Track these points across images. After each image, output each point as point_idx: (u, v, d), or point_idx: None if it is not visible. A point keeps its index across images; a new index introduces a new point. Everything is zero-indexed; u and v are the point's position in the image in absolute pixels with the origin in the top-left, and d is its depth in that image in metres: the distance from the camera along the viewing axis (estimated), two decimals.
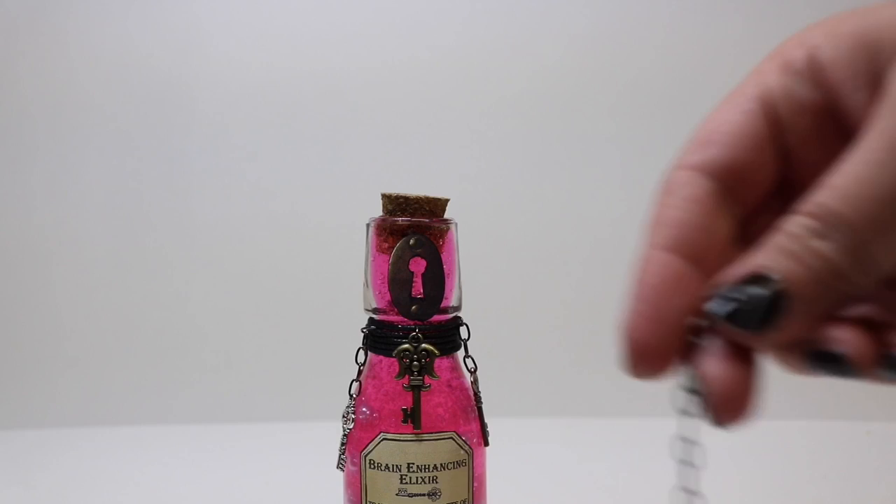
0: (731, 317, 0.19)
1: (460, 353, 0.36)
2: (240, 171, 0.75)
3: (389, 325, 0.34)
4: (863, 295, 0.20)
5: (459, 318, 0.36)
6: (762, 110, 0.21)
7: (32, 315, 0.75)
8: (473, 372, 0.36)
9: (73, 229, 0.75)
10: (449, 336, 0.35)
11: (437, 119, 0.76)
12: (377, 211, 0.35)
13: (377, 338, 0.35)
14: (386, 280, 0.34)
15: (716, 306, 0.19)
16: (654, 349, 0.19)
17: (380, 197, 0.35)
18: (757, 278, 0.19)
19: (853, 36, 0.20)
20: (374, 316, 0.35)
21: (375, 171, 0.75)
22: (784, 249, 0.19)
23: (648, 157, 0.76)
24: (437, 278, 0.34)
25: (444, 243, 0.35)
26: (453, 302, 0.35)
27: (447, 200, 0.35)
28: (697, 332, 0.20)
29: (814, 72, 0.21)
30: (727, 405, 0.19)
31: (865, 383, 0.21)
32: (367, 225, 0.35)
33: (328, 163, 0.76)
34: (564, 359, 0.76)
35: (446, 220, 0.35)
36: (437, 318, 0.34)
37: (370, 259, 0.35)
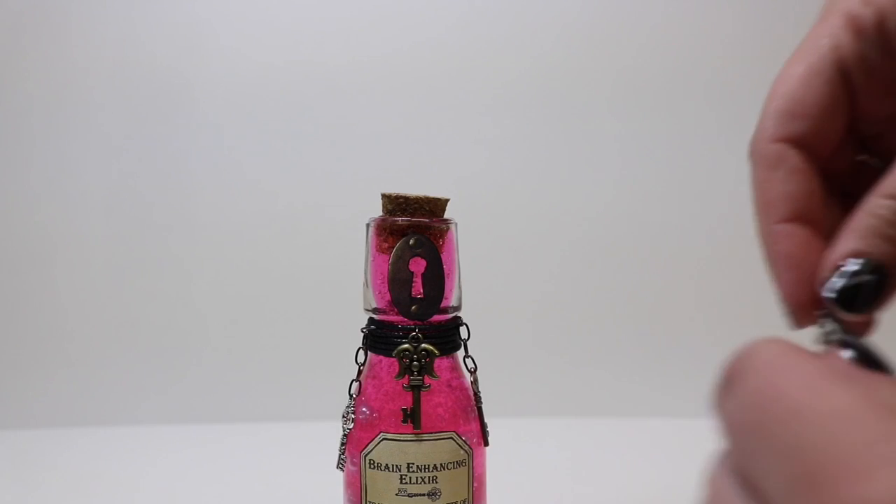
0: (843, 302, 0.20)
1: (460, 353, 0.36)
2: (240, 170, 0.75)
3: (389, 325, 0.34)
4: None
5: (459, 318, 0.36)
6: (840, 78, 0.22)
7: (32, 315, 0.75)
8: (473, 372, 0.36)
9: (73, 229, 0.75)
10: (449, 336, 0.35)
11: (437, 119, 0.76)
12: (377, 211, 0.35)
13: (377, 338, 0.35)
14: (386, 280, 0.34)
15: (829, 293, 0.21)
16: (808, 304, 0.22)
17: (379, 197, 0.35)
18: (870, 266, 0.20)
19: None
20: (374, 316, 0.35)
21: (375, 170, 0.75)
22: (878, 232, 0.20)
23: (650, 157, 0.76)
24: (436, 278, 0.34)
25: (443, 243, 0.35)
26: (453, 302, 0.35)
27: (447, 200, 0.35)
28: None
29: (884, 39, 0.21)
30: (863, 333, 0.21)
31: None
32: (367, 225, 0.35)
33: (328, 163, 0.75)
34: (564, 359, 0.76)
35: (446, 220, 0.35)
36: (436, 318, 0.34)
37: (370, 259, 0.35)
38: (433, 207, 0.35)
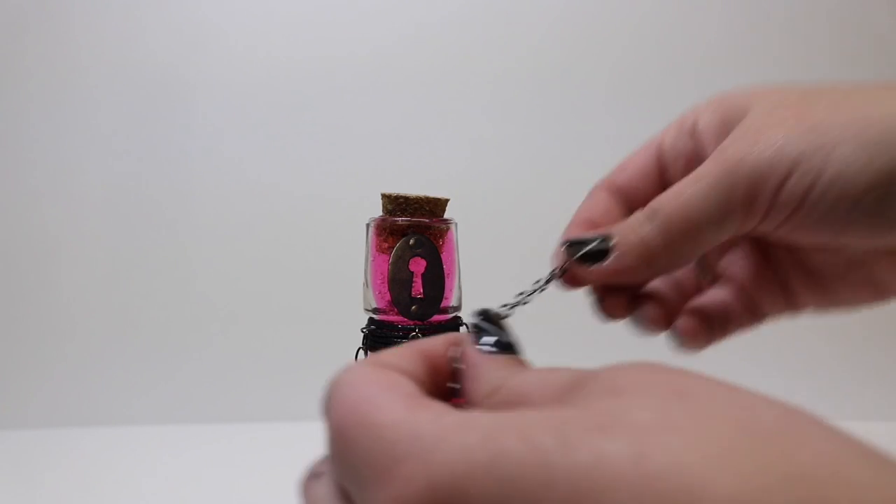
0: (573, 252, 0.31)
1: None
2: (239, 171, 0.75)
3: (389, 325, 0.34)
4: (671, 271, 0.33)
5: (459, 317, 0.36)
6: (656, 155, 0.34)
7: (32, 315, 0.75)
8: None
9: (73, 229, 0.75)
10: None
11: (436, 118, 0.76)
12: (377, 210, 0.35)
13: (377, 338, 0.35)
14: (386, 280, 0.34)
15: (570, 246, 0.31)
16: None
17: (379, 197, 0.35)
18: (604, 237, 0.30)
19: (722, 106, 0.31)
20: (373, 316, 0.35)
21: (375, 170, 0.75)
22: (625, 224, 0.30)
23: None
24: (436, 278, 0.34)
25: (443, 243, 0.35)
26: (453, 302, 0.35)
27: (447, 200, 0.35)
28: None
29: (694, 131, 0.32)
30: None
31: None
32: (367, 225, 0.35)
33: (328, 163, 0.76)
34: (564, 358, 0.76)
35: (446, 220, 0.35)
36: (436, 317, 0.34)
37: (370, 259, 0.35)
38: (433, 207, 0.35)
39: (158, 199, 0.75)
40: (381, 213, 0.35)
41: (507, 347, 0.24)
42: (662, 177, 0.34)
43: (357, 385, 0.21)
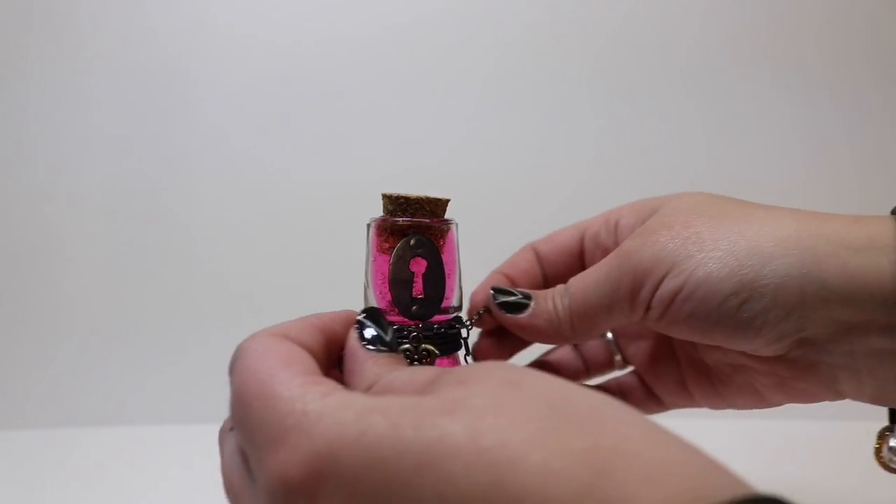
0: (497, 298, 0.37)
1: (461, 353, 0.36)
2: (238, 171, 0.75)
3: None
4: (573, 343, 0.41)
5: (460, 317, 0.36)
6: (579, 239, 0.41)
7: (32, 315, 0.75)
8: None
9: (73, 228, 0.75)
10: (450, 336, 0.35)
11: (437, 119, 0.76)
12: (376, 211, 0.35)
13: None
14: (387, 280, 0.34)
15: (495, 291, 0.37)
16: (479, 305, 0.38)
17: (380, 197, 0.35)
18: (526, 296, 0.36)
19: (643, 208, 0.37)
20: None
21: (374, 170, 0.75)
22: (546, 292, 0.36)
23: (650, 157, 0.76)
24: (437, 278, 0.34)
25: (444, 243, 0.35)
26: (454, 302, 0.35)
27: (448, 201, 0.36)
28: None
29: (616, 227, 0.39)
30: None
31: None
32: (368, 225, 0.35)
33: (328, 163, 0.76)
34: None
35: (447, 220, 0.35)
36: (437, 318, 0.34)
37: (371, 259, 0.35)
38: (434, 208, 0.35)
39: (158, 201, 0.75)
40: (381, 214, 0.35)
41: (386, 345, 0.28)
42: (580, 258, 0.41)
43: (260, 356, 0.24)
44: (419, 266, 0.33)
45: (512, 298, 0.36)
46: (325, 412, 0.20)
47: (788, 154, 0.75)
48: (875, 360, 0.31)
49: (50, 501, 0.55)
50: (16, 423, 0.73)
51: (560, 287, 0.36)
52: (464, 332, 0.36)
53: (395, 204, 0.34)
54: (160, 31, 0.74)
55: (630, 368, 0.43)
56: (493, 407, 0.19)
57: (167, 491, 0.57)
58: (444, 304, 0.34)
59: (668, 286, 0.32)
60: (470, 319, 0.37)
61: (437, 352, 0.33)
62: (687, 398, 0.40)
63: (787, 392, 0.35)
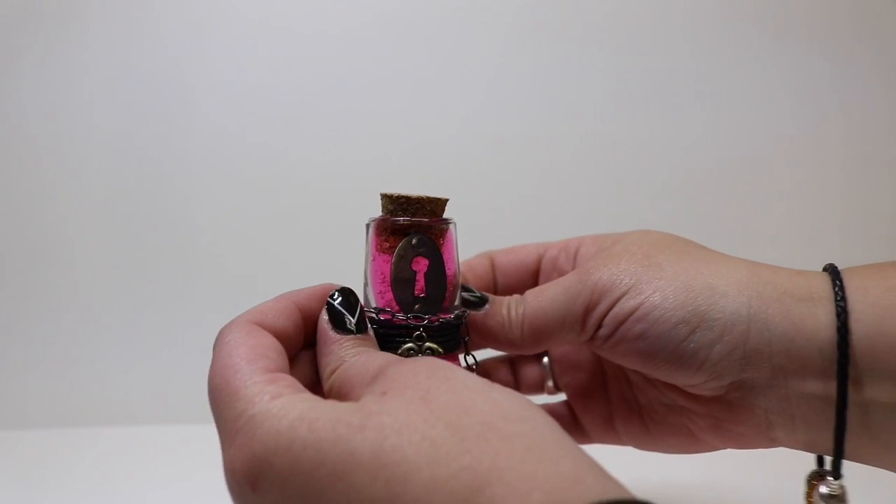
0: (465, 301, 0.37)
1: (461, 352, 0.36)
2: (238, 171, 0.75)
3: (394, 325, 0.34)
4: (523, 352, 0.39)
5: (460, 315, 0.36)
6: (537, 259, 0.42)
7: (33, 315, 0.75)
8: (475, 368, 0.37)
9: (73, 228, 0.75)
10: (451, 334, 0.35)
11: (436, 119, 0.76)
12: (371, 211, 0.36)
13: (380, 337, 0.35)
14: (386, 280, 0.34)
15: (464, 295, 0.37)
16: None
17: (379, 197, 0.35)
18: (482, 297, 0.37)
19: (604, 240, 0.39)
20: (373, 315, 0.35)
21: (372, 171, 0.75)
22: (503, 299, 0.37)
23: (651, 156, 0.76)
24: (439, 277, 0.34)
25: (444, 242, 0.35)
26: (454, 300, 0.36)
27: (447, 200, 0.36)
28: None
29: (575, 254, 0.40)
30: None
31: None
32: (367, 225, 0.35)
33: (328, 163, 0.76)
34: None
35: (446, 219, 0.35)
36: (438, 316, 0.34)
37: (370, 259, 0.35)
38: (434, 207, 0.35)
39: (158, 204, 0.75)
40: (380, 213, 0.35)
41: (351, 329, 0.31)
42: (535, 276, 0.43)
43: (231, 348, 0.28)
44: (421, 265, 0.34)
45: (470, 296, 0.37)
46: (267, 416, 0.24)
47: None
48: (808, 406, 0.32)
49: (50, 501, 0.55)
50: (16, 424, 0.73)
51: (517, 296, 0.37)
52: (463, 331, 0.36)
53: (396, 203, 0.34)
54: (160, 30, 0.74)
55: (561, 396, 0.45)
56: (398, 426, 0.22)
57: (167, 491, 0.57)
58: (444, 303, 0.35)
59: (624, 306, 0.34)
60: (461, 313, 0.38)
61: (440, 350, 0.33)
62: (613, 435, 0.42)
63: (723, 435, 0.36)
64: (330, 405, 0.24)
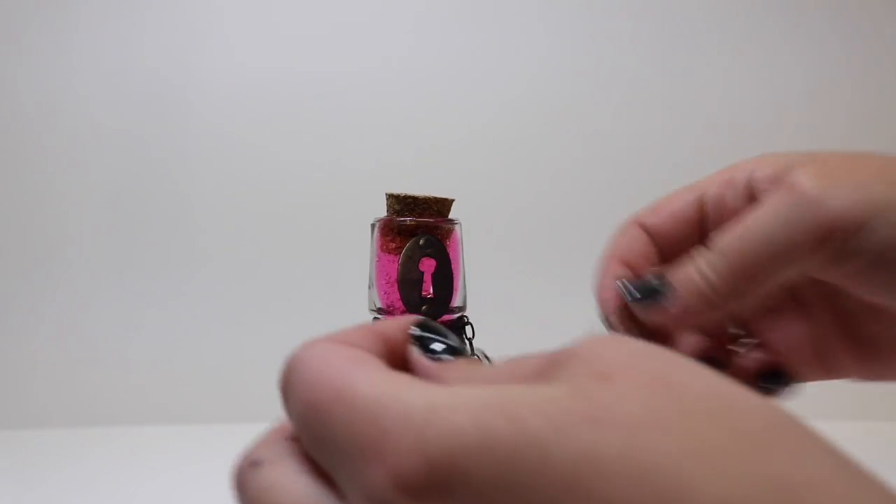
0: (631, 292, 0.31)
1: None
2: (241, 172, 0.75)
3: None
4: (733, 315, 0.32)
5: (465, 316, 0.36)
6: (697, 205, 0.33)
7: (33, 315, 0.74)
8: None
9: (73, 227, 0.74)
10: (457, 335, 0.35)
11: (437, 119, 0.76)
12: (370, 211, 0.35)
13: None
14: (391, 280, 0.34)
15: (626, 285, 0.31)
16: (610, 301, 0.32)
17: (382, 197, 0.35)
18: (659, 277, 0.30)
19: (773, 161, 0.31)
20: (378, 316, 0.35)
21: (372, 171, 0.75)
22: (682, 265, 0.30)
23: (650, 157, 0.76)
24: (446, 278, 0.34)
25: (450, 243, 0.35)
26: (458, 301, 0.35)
27: (453, 200, 0.35)
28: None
29: (747, 187, 0.31)
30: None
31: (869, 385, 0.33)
32: (372, 225, 0.35)
33: (327, 163, 0.75)
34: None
35: (452, 219, 0.35)
36: (444, 317, 0.34)
37: (375, 259, 0.35)
38: (441, 207, 0.35)
39: (158, 204, 0.75)
40: (385, 214, 0.35)
41: (456, 351, 0.23)
42: (701, 227, 0.33)
43: (326, 360, 0.20)
44: (428, 266, 0.33)
45: (649, 284, 0.30)
46: (433, 410, 0.17)
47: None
48: None
49: (50, 501, 0.55)
50: (16, 424, 0.73)
51: (702, 256, 0.29)
52: (468, 332, 0.36)
53: (403, 204, 0.34)
54: (158, 36, 0.74)
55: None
56: (651, 418, 0.16)
57: (167, 491, 0.57)
58: (450, 304, 0.34)
59: (873, 236, 0.27)
60: (607, 322, 0.32)
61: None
62: (832, 373, 0.34)
63: None
64: (515, 389, 0.17)
